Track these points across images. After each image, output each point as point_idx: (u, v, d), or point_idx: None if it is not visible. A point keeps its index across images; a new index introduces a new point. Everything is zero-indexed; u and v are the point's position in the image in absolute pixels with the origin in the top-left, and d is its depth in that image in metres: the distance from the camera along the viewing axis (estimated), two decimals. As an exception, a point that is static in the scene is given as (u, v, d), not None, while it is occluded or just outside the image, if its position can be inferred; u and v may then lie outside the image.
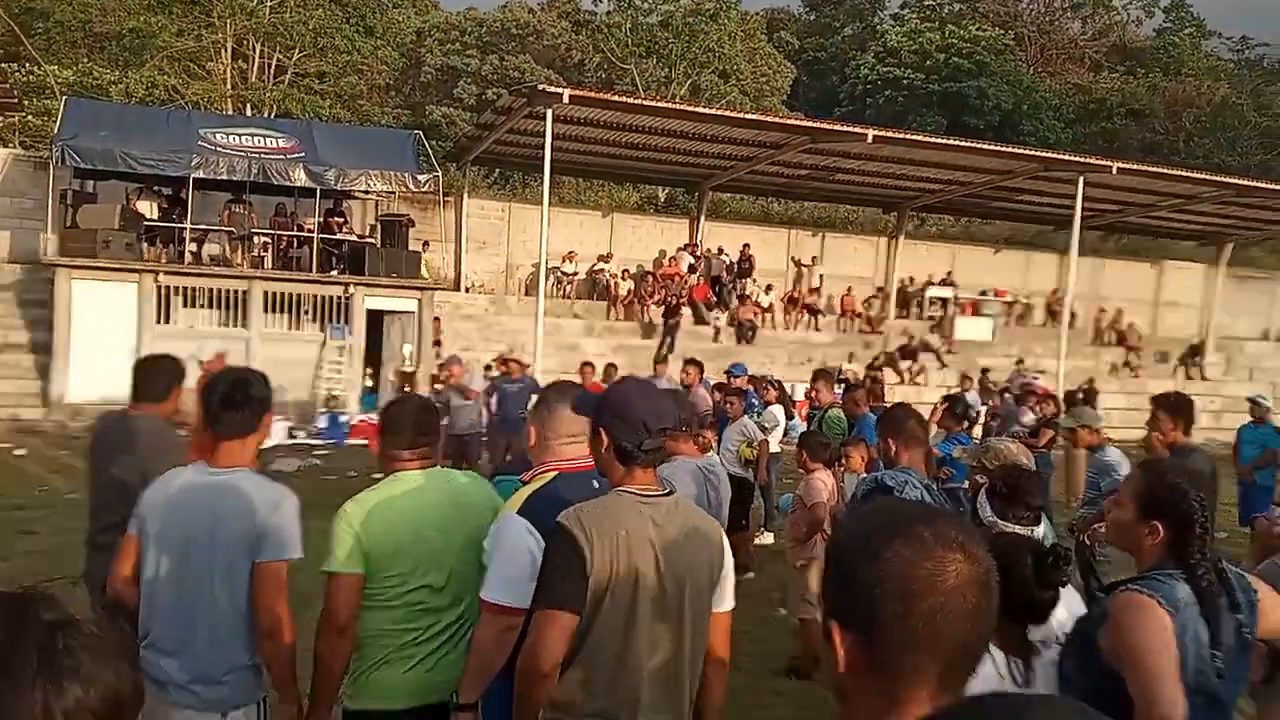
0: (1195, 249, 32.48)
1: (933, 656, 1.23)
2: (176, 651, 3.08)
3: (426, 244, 22.25)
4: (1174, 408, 6.09)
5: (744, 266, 25.90)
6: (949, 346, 25.63)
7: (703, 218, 27.03)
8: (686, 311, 23.68)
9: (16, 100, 22.71)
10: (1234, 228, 29.92)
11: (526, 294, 24.56)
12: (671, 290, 23.71)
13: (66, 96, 22.08)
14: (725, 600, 2.75)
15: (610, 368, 14.44)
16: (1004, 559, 2.62)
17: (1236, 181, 25.97)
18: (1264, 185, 26.33)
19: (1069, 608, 2.90)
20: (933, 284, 28.03)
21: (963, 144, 24.01)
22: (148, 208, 19.27)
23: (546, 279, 21.68)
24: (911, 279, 28.32)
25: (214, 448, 3.20)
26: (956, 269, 28.56)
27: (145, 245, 18.64)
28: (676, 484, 3.56)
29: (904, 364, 24.36)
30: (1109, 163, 23.76)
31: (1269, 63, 55.80)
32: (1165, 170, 26.41)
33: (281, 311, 19.34)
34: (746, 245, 26.18)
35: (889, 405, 6.24)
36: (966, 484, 5.36)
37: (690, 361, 11.50)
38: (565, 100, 19.30)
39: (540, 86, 20.28)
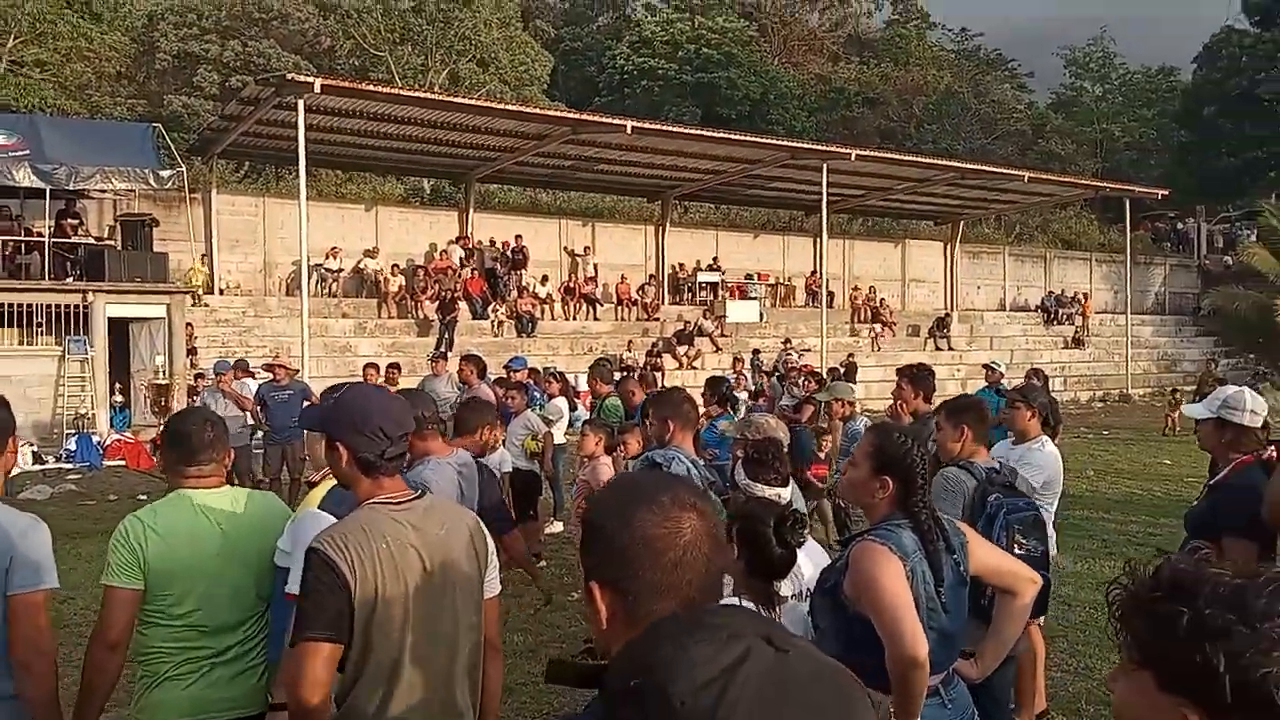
0: (933, 228, 35.39)
1: (676, 600, 1.43)
2: None
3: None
4: (915, 378, 6.72)
5: (518, 258, 25.91)
6: (721, 330, 26.70)
7: (471, 209, 26.78)
8: (463, 306, 23.43)
9: None
10: (963, 207, 32.81)
11: (288, 294, 23.50)
12: (445, 285, 23.37)
13: None
14: (493, 587, 2.81)
15: (392, 369, 14.12)
16: (748, 521, 2.90)
17: (961, 165, 28.52)
18: (985, 168, 29.08)
19: (817, 564, 3.23)
20: (701, 270, 29.06)
21: (715, 134, 25.05)
22: None
23: (309, 277, 20.85)
24: (681, 265, 29.26)
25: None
26: (721, 255, 29.74)
27: None
28: (431, 484, 3.63)
29: (681, 349, 25.17)
30: (848, 150, 25.47)
31: (985, 52, 61.33)
32: (899, 156, 28.63)
33: (12, 325, 17.61)
34: (519, 236, 26.20)
35: (662, 389, 6.58)
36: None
37: (468, 358, 11.40)
38: (317, 90, 18.57)
39: (289, 75, 19.41)
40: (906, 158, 28.52)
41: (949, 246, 34.30)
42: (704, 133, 25.39)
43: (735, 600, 2.63)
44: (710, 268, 29.14)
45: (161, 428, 3.35)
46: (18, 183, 17.66)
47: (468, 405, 6.55)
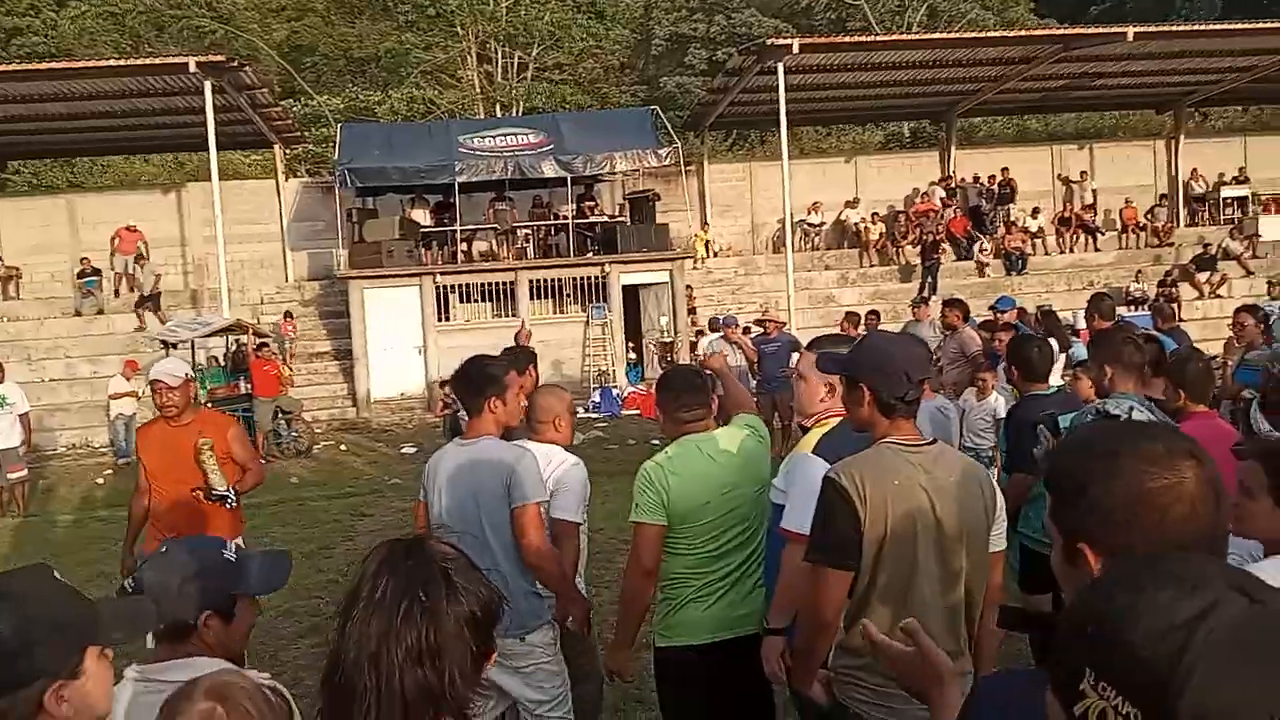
0: None
1: None
2: None
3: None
4: None
5: (1004, 192, 24.52)
6: (1252, 250, 23.13)
7: (953, 147, 25.82)
8: (946, 248, 22.76)
9: (299, 133, 25.18)
10: None
11: (775, 251, 24.49)
12: (926, 228, 22.85)
13: (341, 123, 24.22)
14: (998, 541, 2.79)
15: (872, 316, 14.18)
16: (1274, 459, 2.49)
17: None
18: None
19: None
20: (1225, 184, 25.34)
21: (1241, 27, 21.45)
22: (422, 215, 20.85)
23: (793, 233, 21.53)
24: (1200, 179, 25.68)
25: (468, 424, 3.89)
26: (1250, 164, 25.64)
27: (423, 250, 20.18)
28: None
29: (1201, 275, 22.24)
30: None
31: None
32: None
33: (546, 297, 20.39)
34: (1005, 169, 24.75)
35: (1107, 329, 5.89)
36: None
37: (951, 302, 11.06)
38: (795, 51, 19.04)
39: (768, 41, 20.05)
40: None
41: None
42: (1228, 26, 21.91)
43: None
44: (1236, 180, 25.26)
45: (655, 384, 3.84)
46: (545, 174, 20.32)
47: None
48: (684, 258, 20.97)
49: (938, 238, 22.44)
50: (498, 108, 32.59)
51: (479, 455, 3.67)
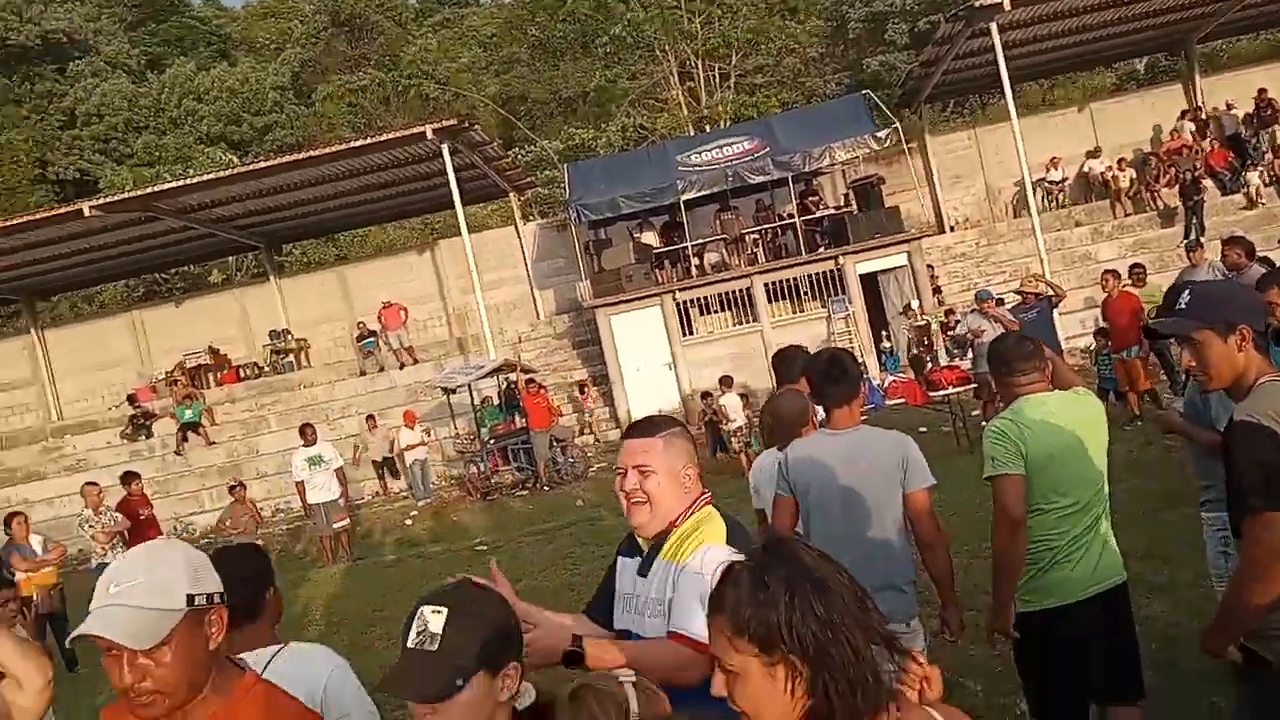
0: None
1: None
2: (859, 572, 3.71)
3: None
4: None
5: (1265, 115, 22.38)
6: None
7: (1197, 76, 23.89)
8: (1208, 184, 21.05)
9: (529, 179, 26.57)
10: None
11: (1015, 215, 23.48)
12: (1182, 166, 21.22)
13: (566, 164, 25.36)
14: None
15: (1136, 269, 13.40)
16: None
17: None
18: None
19: None
20: None
21: None
22: (652, 238, 21.49)
23: (1034, 194, 20.58)
24: None
25: (829, 415, 3.87)
26: None
27: (658, 270, 20.79)
28: None
29: None
30: None
31: None
32: None
33: (783, 299, 20.48)
34: (1262, 90, 22.57)
35: None
36: None
37: (1231, 241, 10.22)
38: (1007, 8, 18.27)
39: (977, 3, 19.35)
40: None
41: None
42: None
43: None
44: None
45: (987, 355, 3.88)
46: (766, 177, 20.46)
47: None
48: (919, 237, 20.49)
49: (1196, 175, 20.78)
50: (706, 124, 33.12)
51: (864, 442, 3.74)
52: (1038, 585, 3.51)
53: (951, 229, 23.81)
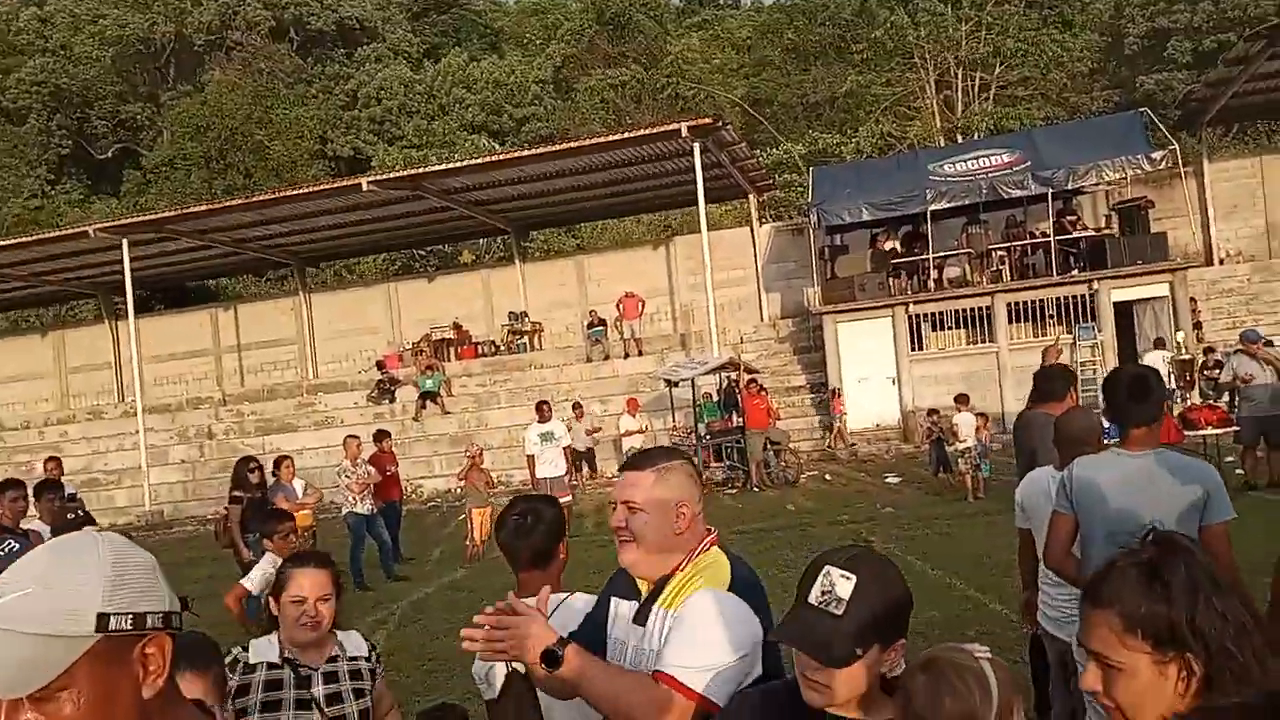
0: None
1: None
2: None
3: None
4: None
5: None
6: None
7: None
8: None
9: (771, 181, 26.55)
10: None
11: (1301, 254, 21.34)
12: None
13: (812, 167, 25.15)
14: None
15: None
16: None
17: None
18: None
19: None
20: None
21: None
22: (892, 245, 20.98)
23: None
24: None
25: (1125, 435, 3.60)
26: None
27: (893, 281, 20.27)
28: None
29: None
30: None
31: None
32: None
33: (1025, 320, 19.49)
34: None
35: None
36: None
37: None
38: (1320, 24, 16.61)
39: (1281, 18, 17.69)
40: None
41: None
42: None
43: None
44: None
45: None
46: (1023, 192, 19.50)
47: None
48: (1186, 267, 18.97)
49: None
50: (958, 135, 31.96)
51: (1165, 466, 3.50)
52: None
53: (1221, 261, 21.90)
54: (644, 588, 2.35)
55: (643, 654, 2.27)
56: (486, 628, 2.05)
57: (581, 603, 2.75)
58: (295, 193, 22.89)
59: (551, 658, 2.01)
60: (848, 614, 1.69)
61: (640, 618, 2.31)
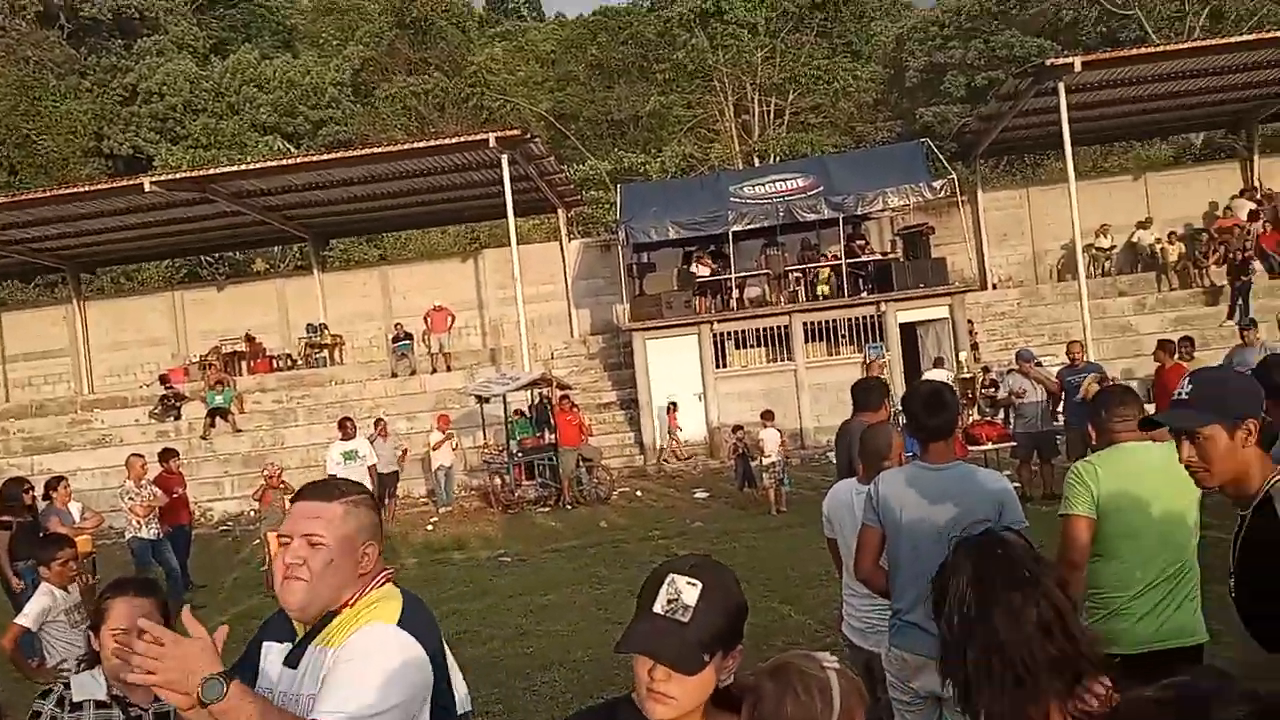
0: None
1: None
2: None
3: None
4: None
5: (1322, 201, 22.24)
6: None
7: (1256, 156, 23.77)
8: (1257, 266, 20.87)
9: (578, 196, 26.70)
10: None
11: (1059, 279, 23.37)
12: (1233, 245, 21.06)
13: (619, 184, 25.46)
14: None
15: (1185, 342, 13.27)
16: None
17: None
18: None
19: None
20: None
21: None
22: (705, 269, 21.48)
23: (1082, 259, 20.48)
24: None
25: (924, 449, 3.77)
26: None
27: (698, 299, 20.80)
28: None
29: None
30: None
31: None
32: None
33: (820, 340, 20.43)
34: (1321, 176, 22.50)
35: None
36: None
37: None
38: (1077, 69, 18.28)
39: (1048, 61, 19.30)
40: None
41: None
42: None
43: None
44: None
45: (1092, 401, 3.98)
46: (816, 216, 20.47)
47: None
48: (964, 291, 20.43)
49: (1246, 255, 20.62)
50: (755, 157, 33.23)
51: (963, 479, 3.65)
52: (1099, 630, 3.44)
53: (994, 286, 23.72)
54: (300, 628, 2.12)
55: (290, 699, 2.04)
56: (143, 648, 1.80)
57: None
58: (68, 192, 21.14)
59: (214, 689, 1.78)
60: (694, 621, 1.70)
61: (293, 660, 2.10)
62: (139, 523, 10.98)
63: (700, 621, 1.70)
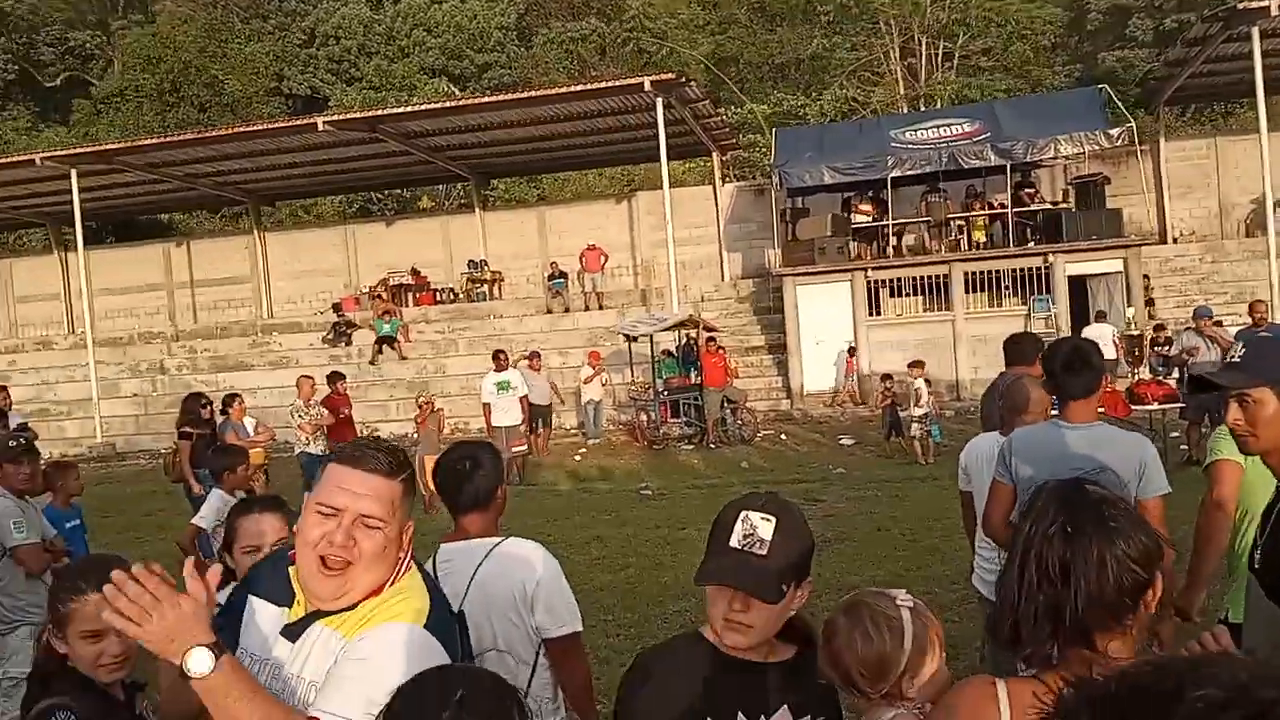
0: None
1: None
2: None
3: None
4: None
5: None
6: None
7: None
8: None
9: (733, 140, 26.50)
10: None
11: (1248, 235, 21.82)
12: None
13: (775, 128, 25.13)
14: None
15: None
16: None
17: None
18: None
19: None
20: None
21: None
22: (864, 213, 21.07)
23: (1274, 213, 19.05)
24: None
25: (1064, 407, 3.67)
26: None
27: (854, 246, 20.43)
28: None
29: None
30: None
31: None
32: None
33: (982, 290, 19.78)
34: None
35: None
36: None
37: None
38: (1274, 13, 16.88)
39: (1241, 4, 17.91)
40: None
41: None
42: None
43: None
44: None
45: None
46: (984, 162, 19.71)
47: None
48: (1140, 244, 19.36)
49: None
50: (921, 102, 32.10)
51: (1101, 439, 3.52)
52: (1238, 596, 3.26)
53: (1175, 240, 22.37)
54: (304, 597, 1.85)
55: (284, 677, 1.81)
56: (129, 591, 1.58)
57: (516, 548, 2.76)
58: (250, 129, 22.41)
59: (200, 662, 1.58)
60: (771, 554, 1.78)
61: (292, 632, 1.83)
62: (306, 439, 11.73)
63: (776, 554, 1.78)
